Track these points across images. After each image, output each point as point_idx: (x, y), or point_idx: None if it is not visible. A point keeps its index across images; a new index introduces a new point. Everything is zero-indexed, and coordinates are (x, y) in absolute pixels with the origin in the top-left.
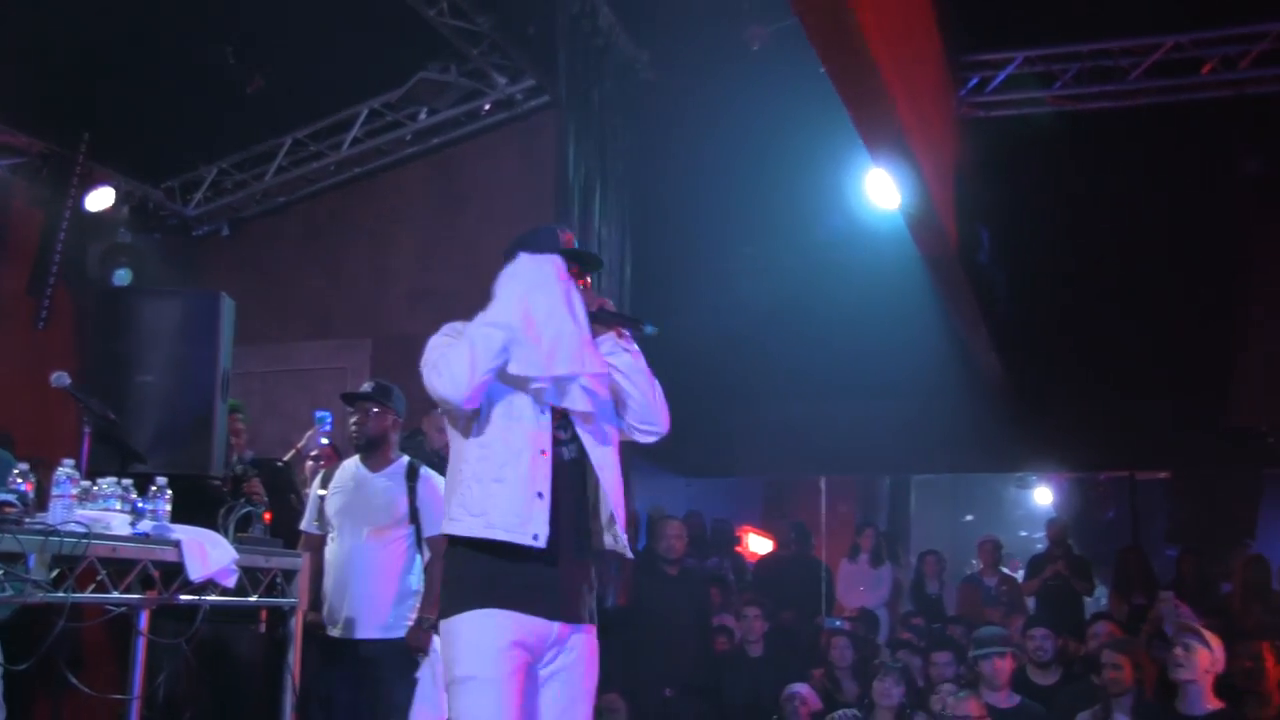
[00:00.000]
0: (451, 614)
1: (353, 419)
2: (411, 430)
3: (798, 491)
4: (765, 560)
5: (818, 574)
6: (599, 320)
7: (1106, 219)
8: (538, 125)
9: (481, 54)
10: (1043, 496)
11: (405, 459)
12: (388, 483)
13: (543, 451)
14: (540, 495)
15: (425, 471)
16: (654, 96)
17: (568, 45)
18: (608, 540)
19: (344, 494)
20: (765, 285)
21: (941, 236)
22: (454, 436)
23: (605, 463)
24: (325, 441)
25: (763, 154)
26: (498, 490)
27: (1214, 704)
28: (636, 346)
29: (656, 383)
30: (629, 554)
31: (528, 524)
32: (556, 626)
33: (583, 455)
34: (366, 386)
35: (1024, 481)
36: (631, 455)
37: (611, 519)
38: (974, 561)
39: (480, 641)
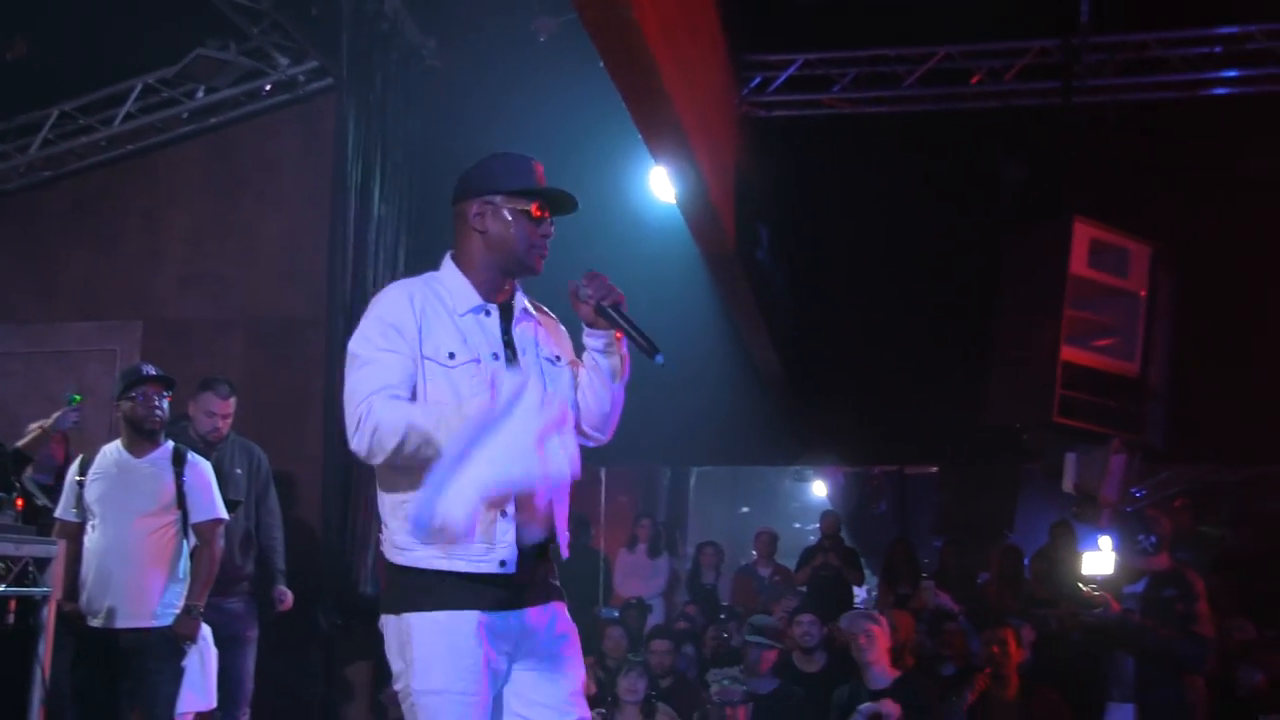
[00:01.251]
0: (406, 610)
1: (160, 401)
2: (177, 415)
3: (577, 482)
4: None
5: (596, 564)
6: (605, 317)
7: (882, 221)
8: (320, 108)
9: (263, 33)
10: (818, 489)
11: (170, 444)
12: (153, 469)
13: None
14: (504, 513)
15: (192, 457)
16: (439, 83)
17: (351, 28)
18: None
19: (106, 480)
20: (544, 276)
21: (720, 234)
22: None
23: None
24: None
25: (548, 145)
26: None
27: (892, 674)
28: (627, 353)
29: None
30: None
31: (493, 550)
32: (527, 613)
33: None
34: (151, 370)
35: (800, 475)
36: None
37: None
38: (751, 552)
39: (450, 647)
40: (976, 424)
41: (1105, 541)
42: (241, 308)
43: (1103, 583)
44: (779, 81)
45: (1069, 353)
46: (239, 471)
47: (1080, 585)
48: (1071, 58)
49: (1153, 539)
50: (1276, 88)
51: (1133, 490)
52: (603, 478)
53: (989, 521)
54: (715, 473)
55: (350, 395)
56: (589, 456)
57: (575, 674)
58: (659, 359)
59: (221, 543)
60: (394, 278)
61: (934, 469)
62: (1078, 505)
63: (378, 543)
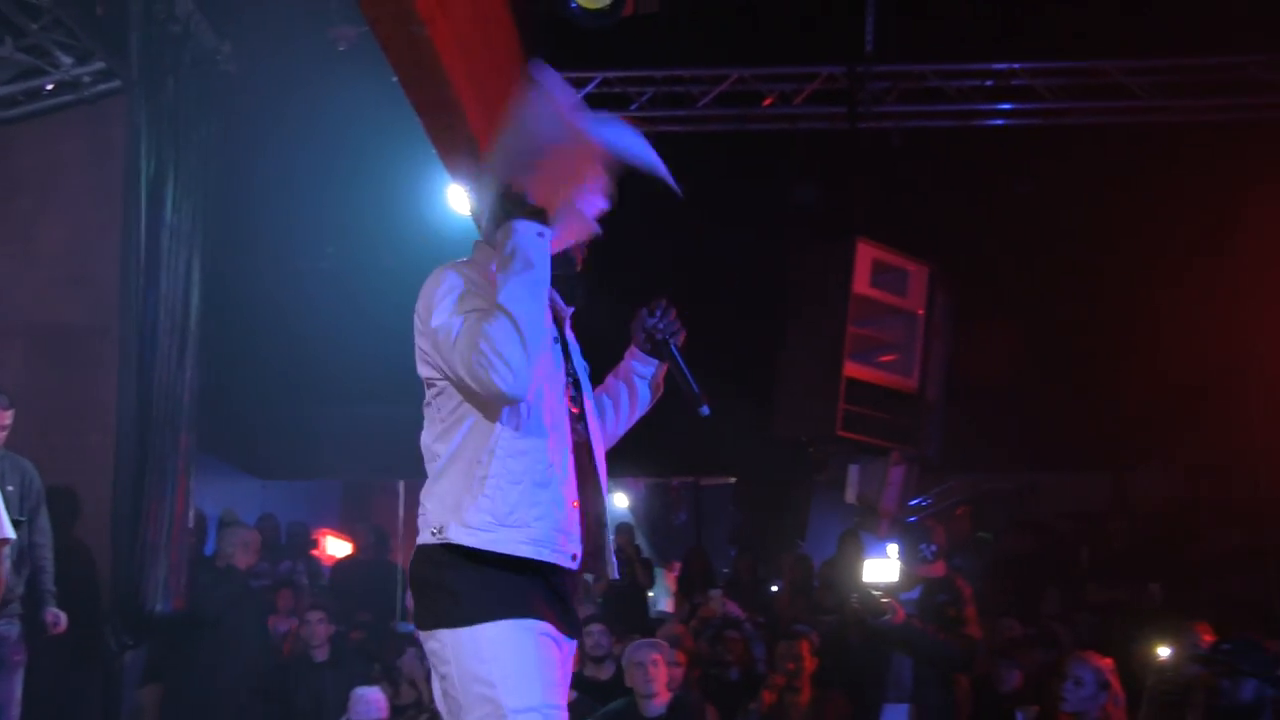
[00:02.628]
0: (478, 620)
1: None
2: None
3: (376, 494)
4: (342, 564)
5: (394, 577)
6: (663, 353)
7: (676, 238)
8: (108, 111)
9: (43, 29)
10: (619, 500)
11: None
12: None
13: (571, 441)
14: (575, 504)
15: None
16: (235, 89)
17: (140, 29)
18: (606, 548)
19: None
20: (342, 287)
21: None
22: (461, 415)
23: (599, 440)
24: None
25: (344, 155)
26: (542, 497)
27: (664, 699)
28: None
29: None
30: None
31: (570, 542)
32: (570, 645)
33: (589, 436)
34: None
35: None
36: (202, 454)
37: (601, 518)
38: None
39: (533, 660)
40: (768, 437)
41: (893, 550)
42: (22, 315)
43: (885, 589)
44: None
45: (852, 369)
46: (10, 489)
47: (870, 593)
48: (856, 85)
49: (933, 548)
50: (1039, 120)
51: (917, 500)
52: (401, 491)
53: (781, 532)
54: None
55: (461, 359)
56: (386, 468)
57: None
58: (705, 411)
59: (8, 564)
60: (188, 286)
61: (730, 480)
62: (860, 516)
63: (171, 557)
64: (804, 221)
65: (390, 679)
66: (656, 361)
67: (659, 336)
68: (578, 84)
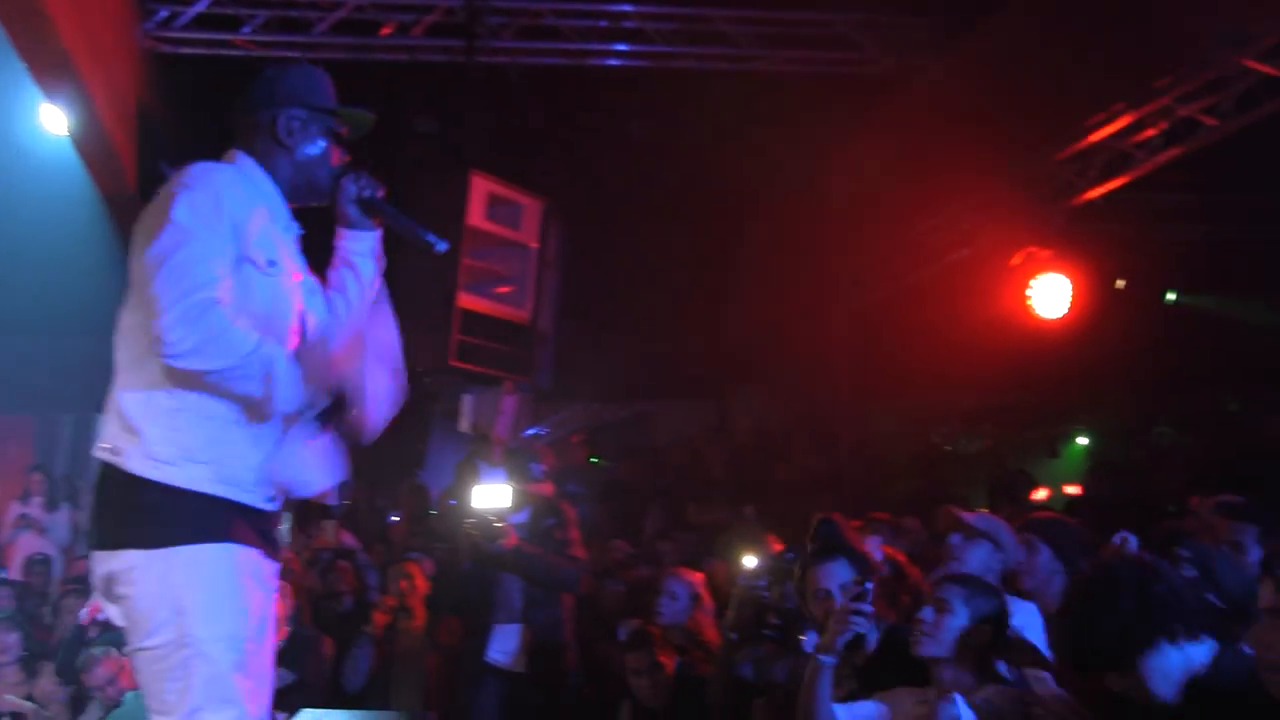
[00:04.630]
0: (169, 543)
1: None
2: None
3: None
4: None
5: None
6: (374, 211)
7: None
8: None
9: None
10: None
11: None
12: None
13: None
14: (286, 434)
15: None
16: None
17: None
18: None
19: None
20: None
21: (118, 173)
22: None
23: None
24: None
25: None
26: (237, 435)
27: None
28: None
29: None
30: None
31: (266, 484)
32: (274, 567)
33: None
34: None
35: None
36: None
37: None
38: None
39: (226, 587)
40: None
41: (504, 477)
42: None
43: (497, 514)
44: (186, 18)
45: (467, 300)
46: None
47: (485, 518)
48: (474, 19)
49: (541, 468)
50: (649, 64)
51: (533, 430)
52: None
53: (399, 461)
54: None
55: (178, 276)
56: None
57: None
58: (441, 246)
59: None
60: None
61: None
62: (474, 444)
63: None
64: (420, 153)
65: None
66: (370, 229)
67: (366, 195)
68: (185, 2)
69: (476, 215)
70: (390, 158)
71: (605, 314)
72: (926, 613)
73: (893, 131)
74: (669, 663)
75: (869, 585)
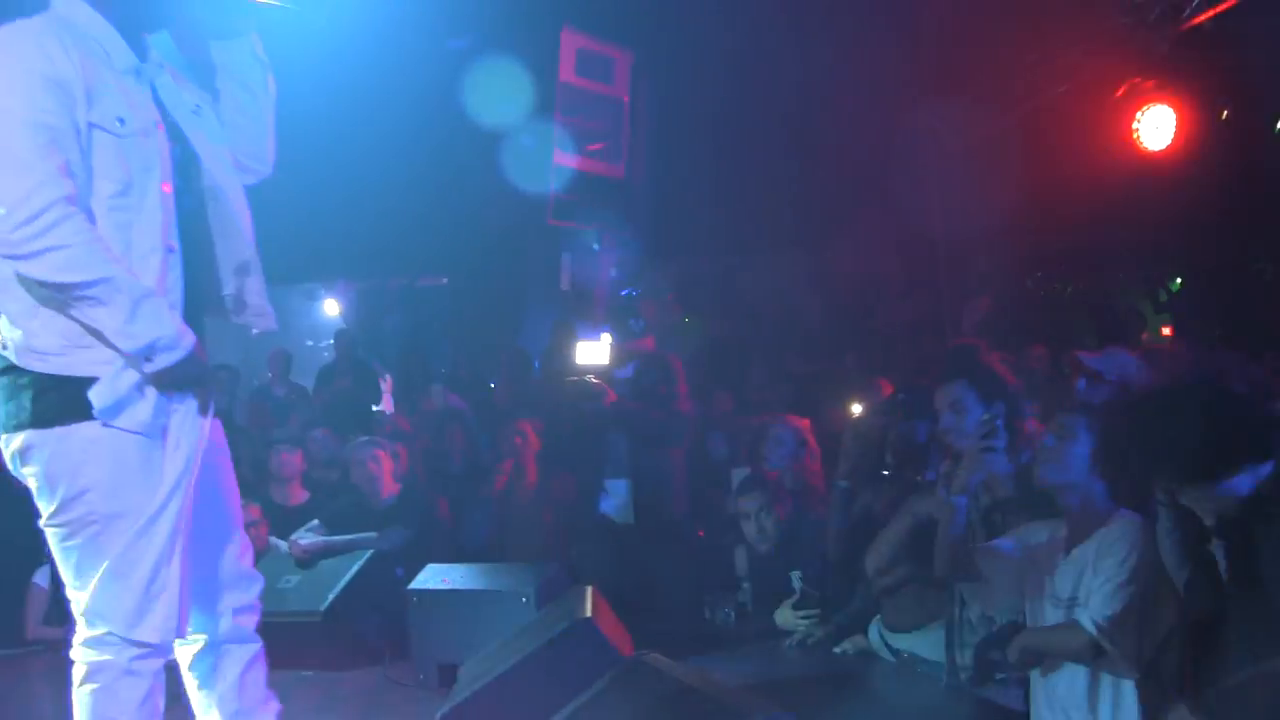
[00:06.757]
0: (69, 420)
1: None
2: None
3: None
4: None
5: None
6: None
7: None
8: None
9: None
10: (330, 307)
11: None
12: None
13: (166, 230)
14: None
15: None
16: None
17: None
18: (250, 295)
19: None
20: None
21: None
22: None
23: (239, 200)
24: None
25: None
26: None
27: (391, 491)
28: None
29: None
30: (269, 315)
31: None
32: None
33: (208, 198)
34: None
35: (311, 293)
36: None
37: (245, 266)
38: (266, 373)
39: (132, 463)
40: (479, 231)
41: (605, 335)
42: None
43: (599, 371)
44: None
45: (561, 158)
46: None
47: (584, 377)
48: None
49: (641, 323)
50: None
51: (627, 290)
52: None
53: (499, 325)
54: None
55: (19, 170)
56: None
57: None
58: None
59: None
60: None
61: (444, 280)
62: (574, 303)
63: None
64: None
65: None
66: (241, 33)
67: None
68: None
69: (567, 71)
70: (479, 15)
71: (697, 167)
72: (1048, 439)
73: None
74: (781, 507)
75: (999, 421)
